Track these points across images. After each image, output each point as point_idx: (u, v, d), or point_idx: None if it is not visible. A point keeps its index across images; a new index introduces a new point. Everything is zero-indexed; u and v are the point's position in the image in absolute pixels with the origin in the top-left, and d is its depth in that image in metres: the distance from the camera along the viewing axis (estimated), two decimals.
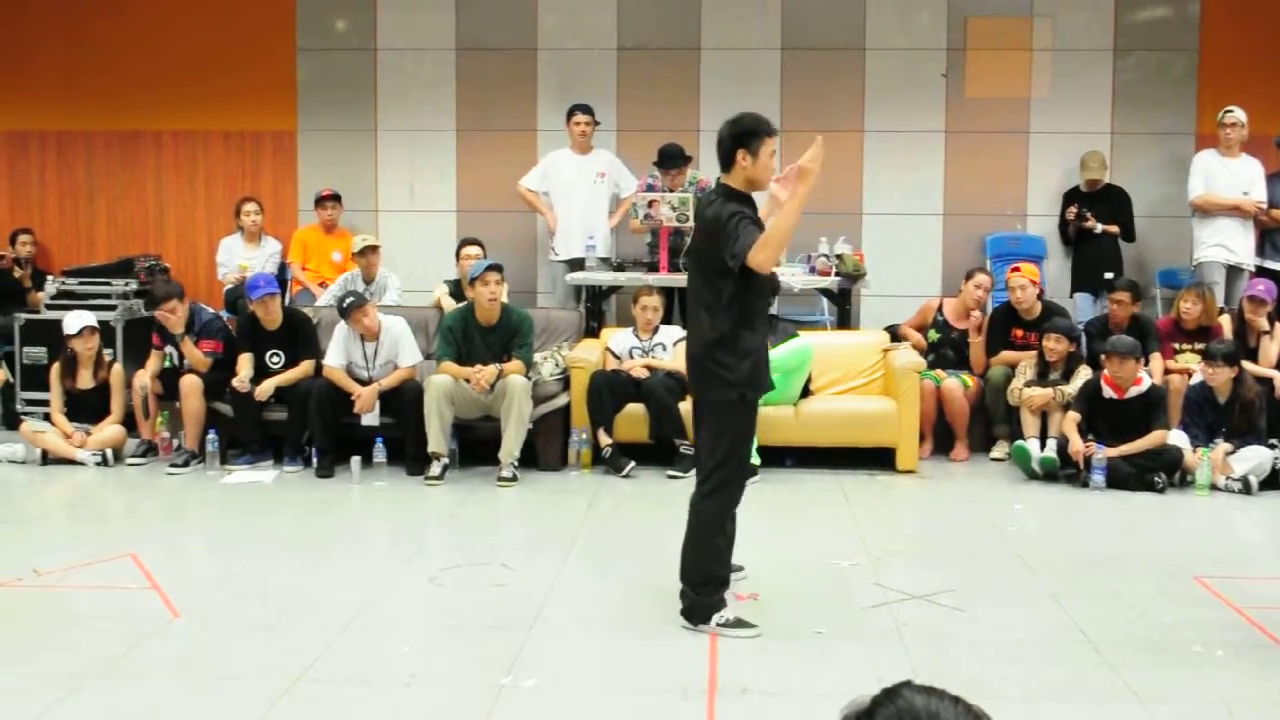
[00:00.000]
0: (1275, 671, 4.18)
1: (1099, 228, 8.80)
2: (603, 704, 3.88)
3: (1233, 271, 8.44)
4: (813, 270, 8.12)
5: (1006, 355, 7.84)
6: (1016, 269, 8.02)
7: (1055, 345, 7.50)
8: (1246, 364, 7.33)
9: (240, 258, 9.08)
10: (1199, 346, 7.66)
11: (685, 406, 6.85)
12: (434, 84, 9.61)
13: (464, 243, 8.44)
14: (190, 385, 7.43)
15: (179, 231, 9.93)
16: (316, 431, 7.27)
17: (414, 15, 9.59)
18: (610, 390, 7.36)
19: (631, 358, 7.61)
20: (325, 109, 9.69)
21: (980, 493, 6.92)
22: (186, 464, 7.32)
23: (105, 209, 9.99)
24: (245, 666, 4.13)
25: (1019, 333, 7.94)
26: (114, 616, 4.63)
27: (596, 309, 8.44)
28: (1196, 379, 7.33)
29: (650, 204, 8.15)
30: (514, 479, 7.00)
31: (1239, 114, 8.46)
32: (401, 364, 7.44)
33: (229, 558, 5.49)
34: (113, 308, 8.43)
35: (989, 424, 7.83)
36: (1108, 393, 7.05)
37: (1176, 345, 7.84)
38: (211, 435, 7.37)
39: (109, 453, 7.46)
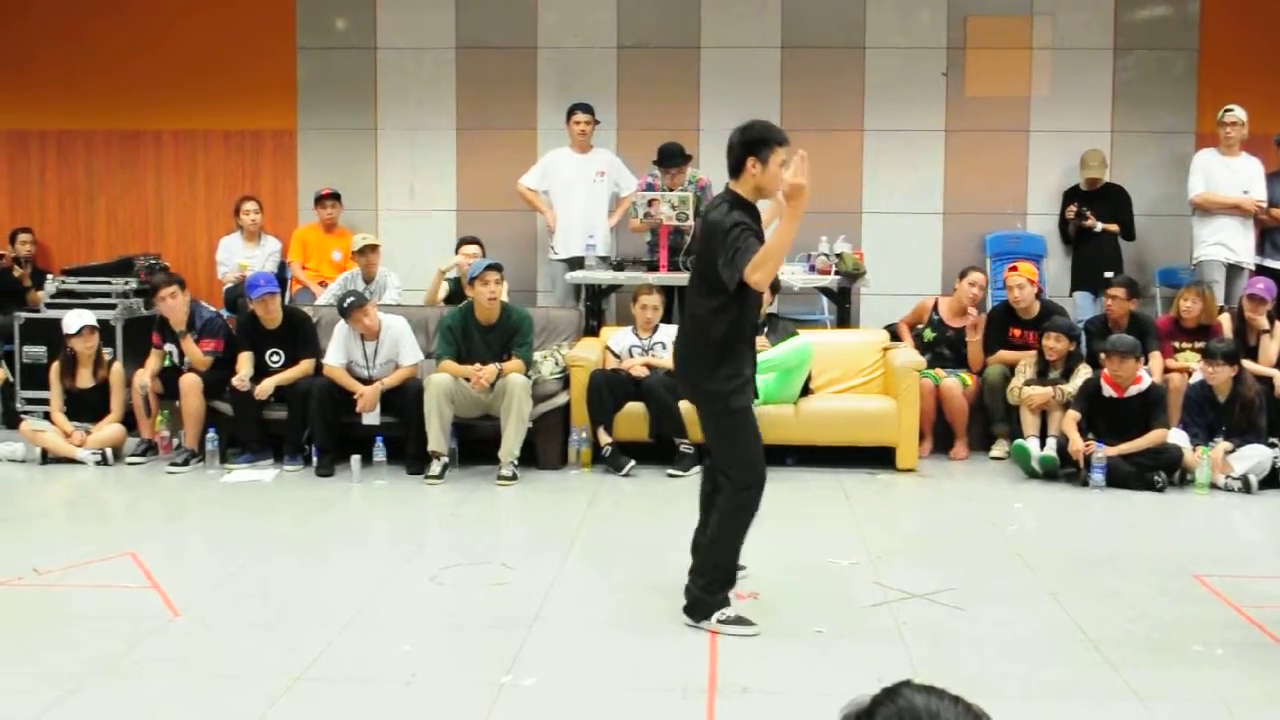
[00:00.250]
0: (1275, 670, 4.18)
1: (1099, 226, 8.80)
2: (603, 703, 3.88)
3: (1233, 270, 8.44)
4: (813, 269, 8.13)
5: (1004, 355, 7.84)
6: (1014, 268, 8.02)
7: (1055, 344, 7.50)
8: (1246, 363, 7.33)
9: (240, 257, 9.08)
10: (1199, 345, 7.66)
11: (685, 405, 6.85)
12: (434, 83, 9.61)
13: (463, 241, 8.45)
14: (190, 384, 7.43)
15: (179, 231, 9.93)
16: (317, 430, 7.27)
17: (414, 14, 9.59)
18: (610, 389, 7.36)
19: (631, 356, 7.61)
20: (325, 108, 9.69)
21: (980, 491, 6.92)
22: (186, 463, 7.32)
23: (105, 208, 9.99)
24: (245, 665, 4.13)
25: (1017, 332, 7.94)
26: (114, 615, 4.63)
27: (596, 308, 8.44)
28: (1196, 378, 7.33)
29: (650, 203, 8.15)
30: (514, 478, 7.00)
31: (1239, 113, 8.46)
32: (403, 363, 7.44)
33: (229, 557, 5.49)
34: (112, 307, 8.43)
35: (988, 423, 7.83)
36: (1107, 391, 7.05)
37: (1176, 344, 7.84)
38: (211, 434, 7.38)
39: (109, 452, 7.47)
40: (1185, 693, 3.96)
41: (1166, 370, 7.66)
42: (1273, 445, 7.01)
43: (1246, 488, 6.78)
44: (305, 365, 7.52)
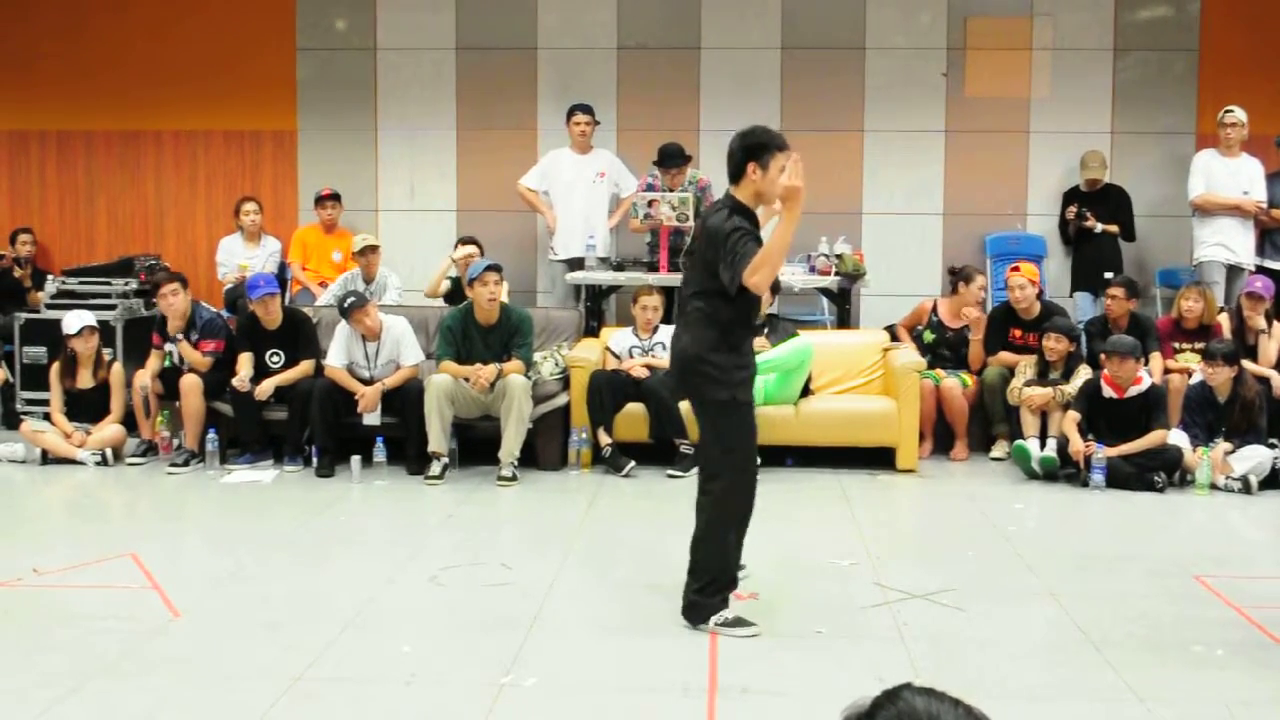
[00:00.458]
0: (1276, 671, 4.18)
1: (1099, 227, 8.80)
2: (603, 703, 3.88)
3: (1233, 271, 8.44)
4: (813, 270, 8.13)
5: (1005, 357, 7.83)
6: (1016, 268, 8.02)
7: (1055, 345, 7.50)
8: (1245, 363, 7.33)
9: (240, 257, 9.08)
10: (1199, 346, 7.67)
11: (685, 406, 6.85)
12: (434, 83, 9.61)
13: (461, 242, 8.44)
14: (190, 385, 7.43)
15: (179, 231, 9.93)
16: (317, 431, 7.27)
17: (414, 14, 9.59)
18: (610, 390, 7.36)
19: (631, 357, 7.61)
20: (325, 108, 9.69)
21: (980, 492, 6.92)
22: (186, 463, 7.32)
23: (105, 208, 9.99)
24: (246, 666, 4.13)
25: (1017, 332, 7.94)
26: (114, 616, 4.63)
27: (596, 308, 8.44)
28: (1196, 378, 7.33)
29: (650, 203, 8.15)
30: (514, 478, 7.00)
31: (1239, 113, 8.47)
32: (404, 363, 7.44)
33: (229, 557, 5.49)
34: (113, 307, 8.43)
35: (989, 424, 7.82)
36: (1108, 392, 7.05)
37: (1176, 345, 7.84)
38: (211, 435, 7.37)
39: (109, 452, 7.46)
40: (1186, 693, 3.96)
41: (1166, 371, 7.66)
42: (1273, 446, 7.01)
43: (1246, 488, 6.78)
44: (305, 366, 7.51)
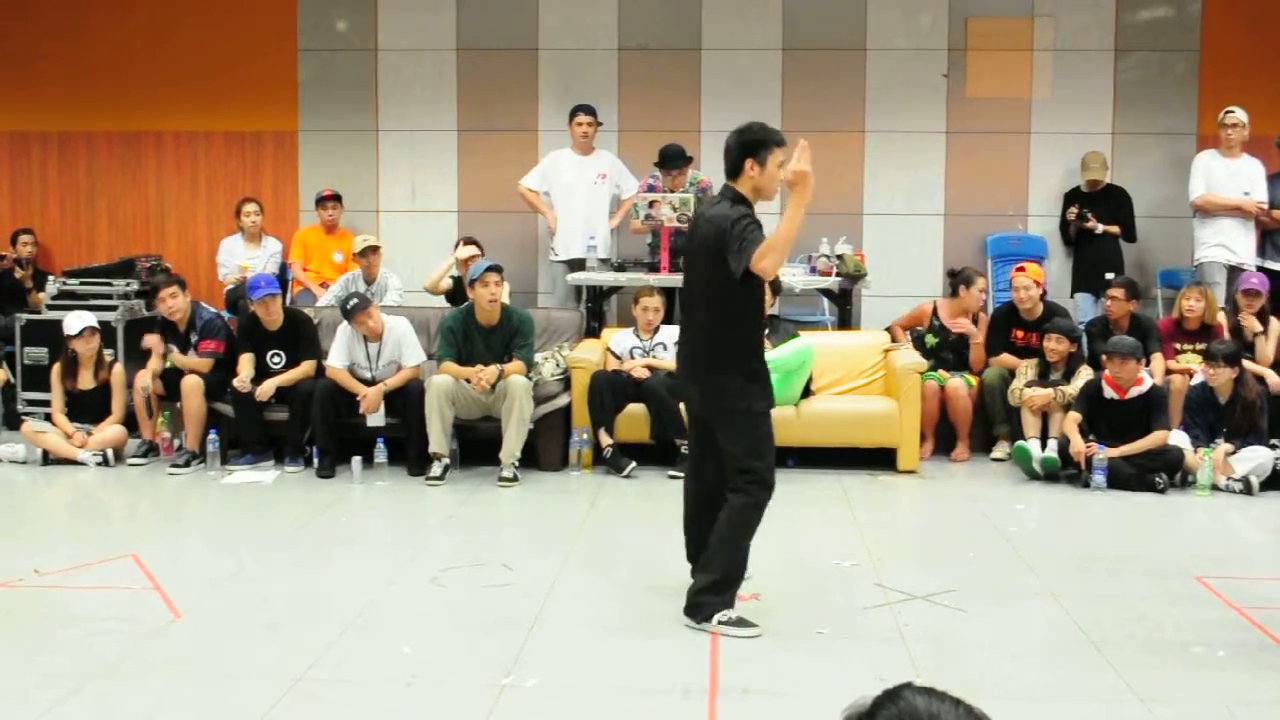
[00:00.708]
0: (1276, 672, 4.18)
1: (1100, 228, 8.80)
2: (604, 704, 3.88)
3: (1234, 272, 8.43)
4: (814, 270, 8.13)
5: (1007, 359, 7.83)
6: (1022, 269, 8.01)
7: (1056, 345, 7.50)
8: (1245, 362, 7.32)
9: (241, 258, 9.08)
10: (1200, 346, 7.67)
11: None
12: (435, 84, 9.61)
13: (462, 242, 8.43)
14: (191, 385, 7.43)
15: (180, 232, 9.93)
16: (318, 432, 7.27)
17: (415, 15, 9.60)
18: (611, 390, 7.36)
19: (632, 358, 7.61)
20: (326, 109, 9.70)
21: (981, 493, 6.92)
22: (187, 464, 7.32)
23: (106, 209, 9.99)
24: (246, 666, 4.13)
25: (1019, 333, 7.93)
26: (115, 617, 4.63)
27: (597, 309, 8.44)
28: (1197, 379, 7.33)
29: (651, 204, 8.16)
30: (515, 479, 7.00)
31: (1240, 114, 8.47)
32: (406, 364, 7.44)
33: (230, 558, 5.49)
34: (113, 308, 8.44)
35: (990, 425, 7.82)
36: (1109, 393, 7.05)
37: (1177, 345, 7.84)
38: (212, 435, 7.37)
39: (110, 453, 7.47)
40: (1186, 694, 3.96)
41: (1168, 372, 7.66)
42: (1274, 447, 7.00)
43: (1247, 489, 6.78)
44: (306, 367, 7.51)
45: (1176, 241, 9.11)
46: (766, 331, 7.44)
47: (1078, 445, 6.94)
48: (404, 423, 7.27)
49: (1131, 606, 4.82)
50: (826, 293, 8.34)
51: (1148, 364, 7.41)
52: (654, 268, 8.27)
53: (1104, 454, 6.86)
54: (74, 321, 7.62)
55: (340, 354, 7.44)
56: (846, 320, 8.31)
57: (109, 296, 8.53)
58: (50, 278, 8.90)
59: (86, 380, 7.70)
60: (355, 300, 7.42)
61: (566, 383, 7.54)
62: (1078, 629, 4.54)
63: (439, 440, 7.03)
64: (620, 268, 8.50)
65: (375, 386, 7.31)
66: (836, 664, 4.21)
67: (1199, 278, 8.37)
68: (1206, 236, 8.49)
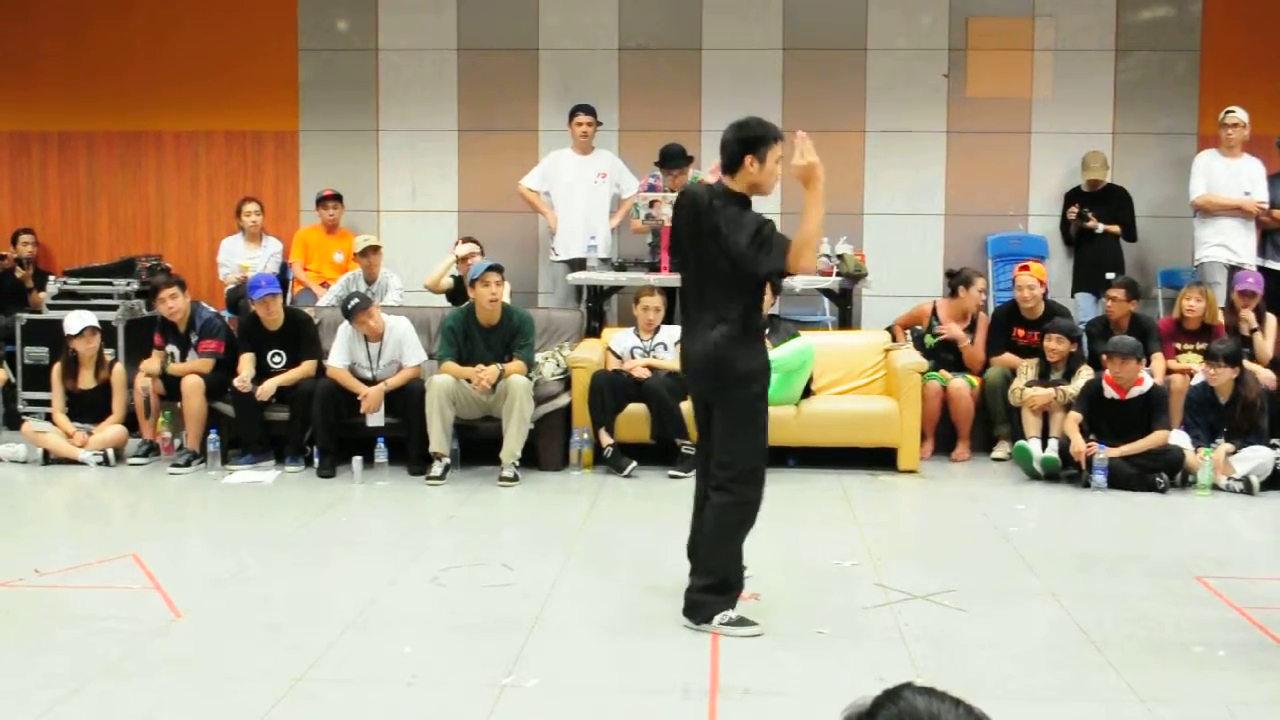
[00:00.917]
0: (1277, 672, 4.18)
1: (1100, 228, 8.80)
2: (605, 704, 3.88)
3: (1234, 272, 8.42)
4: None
5: (1007, 358, 7.83)
6: (1026, 267, 8.01)
7: (1056, 345, 7.50)
8: (1245, 362, 7.32)
9: (241, 258, 9.08)
10: (1200, 346, 7.67)
11: (686, 406, 6.85)
12: (435, 84, 9.61)
13: (462, 240, 8.43)
14: (192, 385, 7.43)
15: (180, 232, 9.93)
16: (319, 431, 7.27)
17: (415, 15, 9.60)
18: (611, 390, 7.36)
19: (633, 358, 7.62)
20: (327, 109, 9.70)
21: (982, 493, 6.92)
22: (188, 464, 7.32)
23: (107, 209, 9.99)
24: (247, 666, 4.13)
25: (1020, 332, 7.93)
26: (115, 617, 4.63)
27: (598, 309, 8.44)
28: (1198, 379, 7.33)
29: (652, 204, 8.16)
30: (515, 479, 7.00)
31: (1240, 114, 8.46)
32: (407, 363, 7.44)
33: (231, 558, 5.49)
34: (114, 308, 8.44)
35: (990, 424, 7.82)
36: (1109, 393, 7.05)
37: (1178, 345, 7.84)
38: (213, 435, 7.37)
39: (110, 453, 7.47)
40: (1187, 694, 3.96)
41: (1168, 371, 7.66)
42: (1274, 446, 7.00)
43: (1248, 489, 6.78)
44: (307, 366, 7.51)
45: (1177, 241, 9.11)
46: (767, 331, 7.45)
47: (1078, 445, 6.94)
48: (404, 422, 7.28)
49: (1132, 606, 4.82)
50: (827, 292, 8.34)
51: (1148, 364, 7.41)
52: (654, 267, 8.27)
53: (1104, 454, 6.86)
54: (74, 321, 7.62)
55: (341, 354, 7.44)
56: (847, 320, 8.31)
57: (109, 296, 8.53)
58: (51, 277, 8.90)
59: (87, 380, 7.70)
60: (356, 300, 7.42)
61: (567, 382, 7.54)
62: (1078, 629, 4.54)
63: (439, 440, 7.03)
64: (621, 267, 8.50)
65: (376, 386, 7.32)
66: (837, 664, 4.21)
67: (1199, 277, 8.36)
68: (1207, 236, 8.49)
